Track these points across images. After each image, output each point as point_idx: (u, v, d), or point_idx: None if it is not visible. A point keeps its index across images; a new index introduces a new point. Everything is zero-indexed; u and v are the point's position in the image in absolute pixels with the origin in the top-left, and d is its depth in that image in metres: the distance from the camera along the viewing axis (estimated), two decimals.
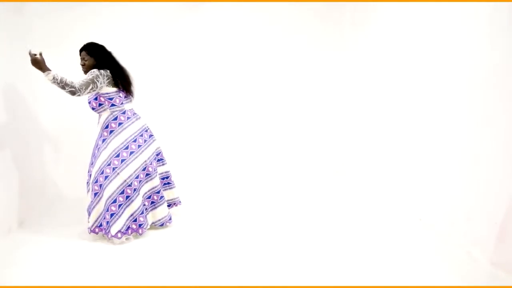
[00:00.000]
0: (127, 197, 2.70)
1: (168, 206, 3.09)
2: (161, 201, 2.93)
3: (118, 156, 2.69)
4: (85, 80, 2.57)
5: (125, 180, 2.68)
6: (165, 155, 3.14)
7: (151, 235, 2.84)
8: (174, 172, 3.26)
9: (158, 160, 3.02)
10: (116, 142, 2.70)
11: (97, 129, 2.84)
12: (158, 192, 2.91)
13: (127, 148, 2.72)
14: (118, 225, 2.67)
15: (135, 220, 2.74)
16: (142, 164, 2.78)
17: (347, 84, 4.52)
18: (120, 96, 2.76)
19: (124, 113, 2.78)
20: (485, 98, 2.43)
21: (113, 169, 2.66)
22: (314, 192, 3.98)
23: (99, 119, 2.82)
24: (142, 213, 2.75)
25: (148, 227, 2.84)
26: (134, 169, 2.73)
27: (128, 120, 2.78)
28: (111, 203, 2.66)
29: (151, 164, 2.85)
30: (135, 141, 2.77)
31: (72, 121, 3.76)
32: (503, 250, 2.29)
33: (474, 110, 2.53)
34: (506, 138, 2.27)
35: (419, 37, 3.09)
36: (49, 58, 3.34)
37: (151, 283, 2.19)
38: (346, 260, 2.44)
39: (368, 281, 2.19)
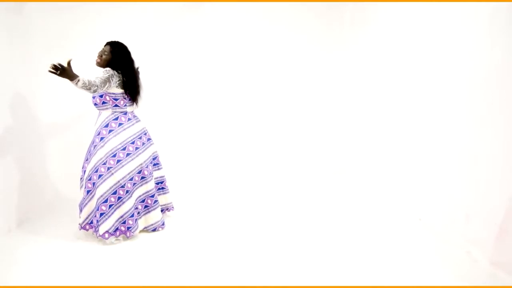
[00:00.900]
0: (119, 198, 2.69)
1: (161, 211, 3.07)
2: (155, 205, 2.91)
3: (114, 156, 2.68)
4: (103, 78, 2.58)
5: (119, 181, 2.68)
6: (162, 159, 3.13)
7: (150, 237, 2.83)
8: (170, 176, 3.25)
9: (154, 165, 3.01)
10: (114, 142, 2.70)
11: (95, 127, 2.83)
12: (153, 196, 2.90)
13: (124, 149, 2.72)
14: (106, 225, 2.65)
15: (124, 222, 2.71)
16: (137, 167, 2.77)
17: (347, 84, 4.52)
18: (125, 99, 2.77)
19: (125, 114, 2.79)
20: (485, 98, 2.43)
21: (108, 168, 2.66)
22: (314, 192, 3.97)
23: (98, 117, 2.82)
24: (132, 216, 2.73)
25: (138, 231, 2.80)
26: (129, 171, 2.72)
27: (129, 121, 2.79)
28: (102, 203, 2.65)
29: (147, 167, 2.84)
30: (133, 143, 2.77)
31: (72, 121, 3.77)
32: (502, 250, 2.29)
33: (474, 110, 2.53)
34: (505, 138, 2.27)
35: (419, 37, 3.09)
36: (49, 58, 3.37)
37: (149, 283, 2.19)
38: (346, 260, 2.44)
39: (368, 281, 2.19)
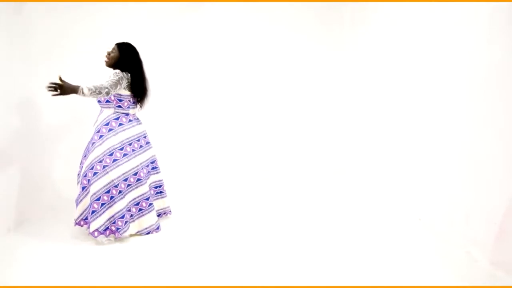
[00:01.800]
0: (111, 197, 2.69)
1: (158, 215, 3.06)
2: (149, 208, 2.88)
3: (111, 155, 2.69)
4: (113, 80, 2.61)
5: (113, 180, 2.68)
6: (160, 163, 3.13)
7: (149, 239, 2.82)
8: (168, 180, 3.25)
9: (153, 168, 3.01)
10: (112, 141, 2.71)
11: (95, 125, 2.84)
12: (147, 199, 2.88)
13: (121, 149, 2.73)
14: (97, 223, 2.65)
15: (114, 223, 2.70)
16: (133, 168, 2.77)
17: (347, 84, 4.52)
18: (129, 101, 2.80)
19: (127, 115, 2.81)
20: (485, 98, 2.43)
21: (104, 167, 2.67)
22: (314, 192, 3.97)
23: (99, 115, 2.83)
24: (123, 217, 2.72)
25: (128, 233, 2.76)
26: (124, 172, 2.72)
27: (130, 123, 2.81)
28: (95, 200, 2.65)
29: (142, 169, 2.84)
30: (130, 144, 2.78)
31: (72, 122, 3.76)
32: (502, 250, 2.29)
33: (474, 110, 2.53)
34: (505, 138, 2.27)
35: (419, 37, 3.09)
36: (49, 58, 3.37)
37: (147, 284, 2.19)
38: (346, 260, 2.44)
39: (368, 281, 2.19)
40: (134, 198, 2.82)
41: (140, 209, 2.86)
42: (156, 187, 3.07)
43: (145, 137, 2.91)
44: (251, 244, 2.69)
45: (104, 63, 2.79)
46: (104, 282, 2.19)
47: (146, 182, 2.87)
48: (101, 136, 2.72)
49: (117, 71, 2.69)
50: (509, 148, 2.25)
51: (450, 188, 2.77)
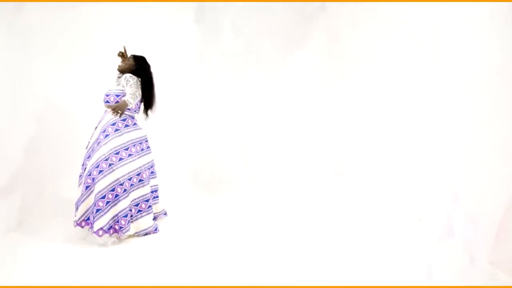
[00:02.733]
0: (116, 195, 2.70)
1: (154, 219, 3.06)
2: (148, 210, 2.93)
3: (117, 153, 2.72)
4: (134, 84, 2.82)
5: (118, 179, 2.70)
6: (157, 167, 3.15)
7: (149, 240, 2.83)
8: (167, 182, 3.30)
9: (151, 173, 3.04)
10: (118, 140, 2.75)
11: (99, 125, 2.86)
12: (147, 201, 2.92)
13: (127, 149, 2.77)
14: (101, 222, 2.65)
15: (118, 221, 2.72)
16: (137, 169, 2.82)
17: (347, 83, 4.51)
18: (137, 104, 2.91)
19: (132, 118, 2.92)
20: (485, 98, 2.43)
21: (110, 165, 2.69)
22: (313, 192, 3.97)
23: (104, 115, 2.86)
24: (126, 216, 2.74)
25: (129, 233, 2.78)
26: (129, 171, 2.76)
27: (134, 125, 2.91)
28: (100, 198, 2.66)
29: (145, 171, 2.89)
30: (134, 145, 2.84)
31: (73, 122, 3.76)
32: (502, 250, 2.29)
33: (474, 110, 2.53)
34: (506, 138, 2.27)
35: (419, 36, 3.09)
36: (49, 58, 3.37)
37: (148, 283, 2.19)
38: (346, 260, 2.44)
39: (368, 281, 2.19)
40: (135, 199, 2.84)
41: (139, 210, 2.88)
42: (152, 192, 3.09)
43: (146, 141, 2.98)
44: (250, 244, 2.70)
45: (117, 66, 2.90)
46: (104, 282, 2.19)
47: (147, 184, 2.91)
48: (107, 135, 2.75)
49: (131, 75, 2.83)
50: (509, 148, 2.24)
51: (450, 188, 2.77)
